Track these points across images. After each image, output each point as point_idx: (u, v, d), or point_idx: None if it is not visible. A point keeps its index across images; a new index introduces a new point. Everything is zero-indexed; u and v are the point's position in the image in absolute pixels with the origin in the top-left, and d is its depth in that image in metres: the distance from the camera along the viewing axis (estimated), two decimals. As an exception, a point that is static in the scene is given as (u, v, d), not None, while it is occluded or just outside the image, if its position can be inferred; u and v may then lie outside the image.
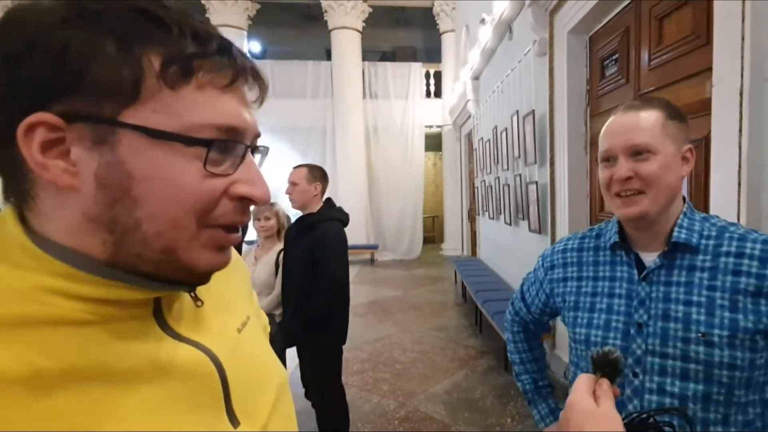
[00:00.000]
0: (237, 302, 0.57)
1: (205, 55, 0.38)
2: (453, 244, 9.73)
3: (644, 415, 0.61)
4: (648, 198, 0.81)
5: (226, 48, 0.40)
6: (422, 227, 10.17)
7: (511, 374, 3.47)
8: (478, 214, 6.91)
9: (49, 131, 0.35)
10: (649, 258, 0.86)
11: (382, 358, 3.95)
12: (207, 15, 8.98)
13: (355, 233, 9.17)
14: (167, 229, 0.38)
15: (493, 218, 5.56)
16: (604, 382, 0.57)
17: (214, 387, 0.44)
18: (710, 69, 1.72)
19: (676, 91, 2.05)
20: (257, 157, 0.45)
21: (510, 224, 4.59)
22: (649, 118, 0.82)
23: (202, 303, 0.47)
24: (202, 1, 8.90)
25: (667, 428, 0.59)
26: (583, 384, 0.58)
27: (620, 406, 0.84)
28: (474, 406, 3.04)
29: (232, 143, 0.40)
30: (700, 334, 0.77)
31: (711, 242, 0.81)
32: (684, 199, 0.87)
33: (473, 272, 5.44)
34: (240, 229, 0.44)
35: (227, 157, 0.40)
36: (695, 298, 0.79)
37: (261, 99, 0.44)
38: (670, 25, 2.12)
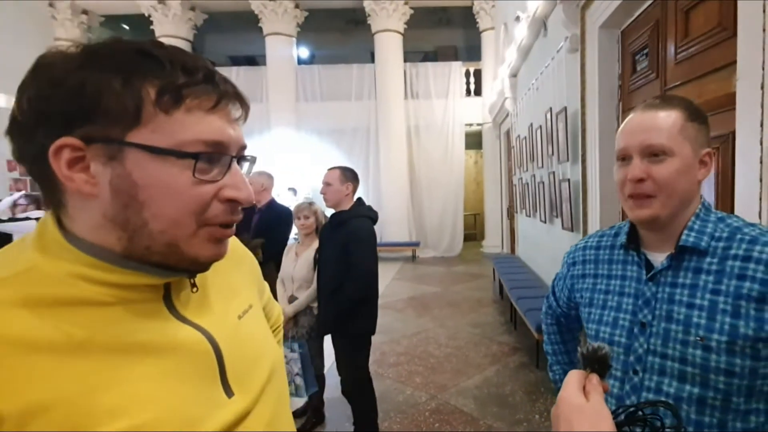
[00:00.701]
0: (242, 291, 0.64)
1: (192, 84, 0.46)
2: (493, 242, 9.64)
3: (632, 409, 0.61)
4: (658, 202, 0.79)
5: (210, 77, 0.48)
6: (463, 225, 10.13)
7: (542, 372, 3.48)
8: (516, 212, 6.84)
9: (73, 151, 0.44)
10: (658, 258, 0.85)
11: (417, 351, 4.06)
12: (259, 25, 9.44)
13: (397, 230, 9.32)
14: (169, 227, 0.47)
15: (529, 216, 5.50)
16: (594, 377, 0.58)
17: (209, 363, 0.51)
18: (736, 62, 1.69)
19: (702, 86, 2.02)
20: (245, 165, 0.54)
21: (545, 222, 4.55)
22: (668, 118, 0.79)
23: (197, 289, 0.54)
24: (255, 12, 9.37)
25: (656, 421, 0.59)
26: (573, 380, 0.58)
27: (619, 401, 0.85)
28: (503, 401, 3.07)
29: (218, 155, 0.48)
30: (698, 338, 0.76)
31: (720, 244, 0.78)
32: (700, 198, 0.85)
33: (510, 269, 5.42)
34: (233, 225, 0.52)
35: (215, 166, 0.48)
36: (698, 302, 0.77)
37: (245, 116, 0.52)
38: (697, 17, 2.08)
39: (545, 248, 4.74)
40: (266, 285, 0.80)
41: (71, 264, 0.45)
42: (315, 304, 2.64)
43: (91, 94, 0.43)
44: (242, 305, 0.62)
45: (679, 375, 0.78)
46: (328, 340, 2.58)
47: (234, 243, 0.62)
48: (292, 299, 2.69)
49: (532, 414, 2.90)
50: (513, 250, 7.89)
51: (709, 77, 1.98)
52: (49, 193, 0.47)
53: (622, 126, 0.86)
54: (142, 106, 0.44)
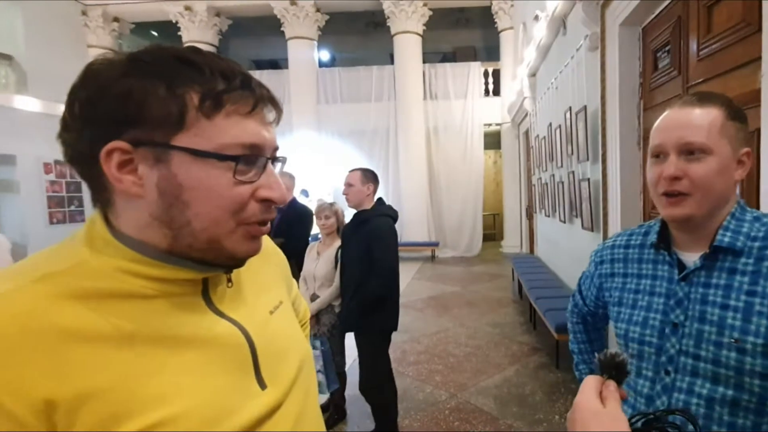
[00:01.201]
0: (272, 287, 0.67)
1: (231, 90, 0.48)
2: (512, 242, 9.58)
3: (650, 416, 0.61)
4: (693, 201, 0.77)
5: (247, 82, 0.50)
6: (482, 225, 10.09)
7: (562, 372, 3.46)
8: (536, 212, 6.78)
9: (122, 154, 0.46)
10: (690, 258, 0.83)
11: (437, 350, 4.07)
12: (282, 29, 9.61)
13: (416, 230, 9.34)
14: (210, 225, 0.49)
15: (549, 216, 5.46)
16: (611, 384, 0.57)
17: (244, 356, 0.53)
18: (760, 58, 1.67)
19: (725, 82, 1.99)
20: (277, 165, 0.55)
21: (564, 222, 4.52)
22: (707, 115, 0.77)
23: (232, 284, 0.57)
24: (278, 16, 9.55)
25: (671, 429, 0.58)
26: (589, 385, 0.58)
27: (649, 401, 0.84)
28: (523, 401, 3.07)
29: (255, 156, 0.50)
30: (733, 340, 0.74)
31: (756, 244, 0.76)
32: (737, 197, 0.82)
33: (529, 269, 5.39)
34: (269, 222, 0.54)
35: (252, 167, 0.50)
36: (732, 303, 0.76)
37: (278, 119, 0.54)
38: (720, 13, 2.06)
39: (564, 248, 4.70)
40: (294, 282, 0.83)
41: (117, 259, 0.47)
42: (336, 302, 2.70)
43: (137, 101, 0.45)
44: (273, 301, 0.64)
45: (712, 376, 0.77)
46: (348, 337, 2.63)
47: (265, 241, 0.65)
48: (314, 297, 2.75)
49: (552, 414, 2.89)
50: (532, 250, 7.82)
51: (733, 74, 1.96)
52: (97, 193, 0.50)
53: (658, 122, 0.83)
54: (186, 111, 0.46)
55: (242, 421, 0.50)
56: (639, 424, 0.61)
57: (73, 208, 7.73)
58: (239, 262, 0.54)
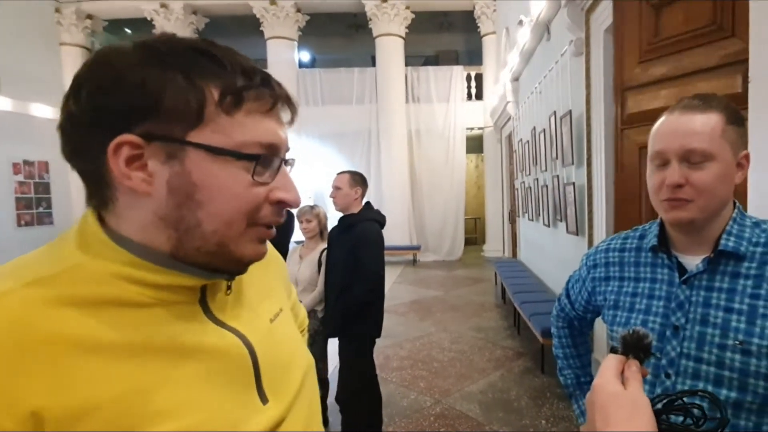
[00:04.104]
0: (272, 293, 0.64)
1: (252, 87, 0.46)
2: (494, 246, 9.64)
3: (673, 396, 0.59)
4: (696, 206, 0.78)
5: (267, 80, 0.48)
6: (464, 229, 10.14)
7: (547, 377, 3.46)
8: (518, 216, 6.84)
9: (132, 149, 0.43)
10: (691, 261, 0.84)
11: (420, 356, 4.03)
12: (261, 29, 9.47)
13: (397, 234, 9.31)
14: (222, 227, 0.46)
15: (532, 220, 5.50)
16: (633, 364, 0.55)
17: (246, 368, 0.50)
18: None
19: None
20: (288, 167, 0.53)
21: (548, 226, 4.55)
22: (709, 121, 0.77)
23: (231, 291, 0.54)
24: (257, 16, 9.40)
25: (695, 410, 0.56)
26: (610, 365, 0.55)
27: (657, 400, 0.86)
28: (509, 406, 3.05)
29: (272, 157, 0.48)
30: (737, 342, 0.75)
31: (759, 249, 0.78)
32: (735, 203, 0.83)
33: (512, 273, 5.41)
34: (274, 226, 0.52)
35: (267, 168, 0.48)
36: (736, 306, 0.77)
37: (292, 119, 0.53)
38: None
39: (548, 252, 4.72)
40: (292, 287, 0.79)
41: (113, 263, 0.44)
42: (319, 307, 2.65)
43: (153, 91, 0.42)
44: (273, 309, 0.61)
45: (715, 379, 0.77)
46: (330, 343, 2.56)
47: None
48: (296, 302, 2.68)
49: (538, 419, 2.87)
50: (514, 254, 7.88)
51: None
52: (97, 191, 0.46)
53: (656, 126, 0.83)
54: (205, 105, 0.44)
55: None
56: (660, 405, 0.58)
57: (41, 209, 7.41)
58: (244, 266, 0.51)
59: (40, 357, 0.39)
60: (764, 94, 1.57)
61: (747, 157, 0.80)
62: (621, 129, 2.51)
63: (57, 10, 9.12)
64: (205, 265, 0.48)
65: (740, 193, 1.75)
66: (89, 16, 9.68)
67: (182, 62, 0.44)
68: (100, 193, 0.46)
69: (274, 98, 0.48)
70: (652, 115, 1.97)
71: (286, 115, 0.52)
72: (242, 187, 0.46)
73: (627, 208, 2.55)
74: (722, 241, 0.79)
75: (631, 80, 2.37)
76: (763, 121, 1.57)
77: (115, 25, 10.39)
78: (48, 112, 6.99)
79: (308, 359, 0.63)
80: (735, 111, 0.80)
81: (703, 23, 1.96)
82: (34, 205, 7.31)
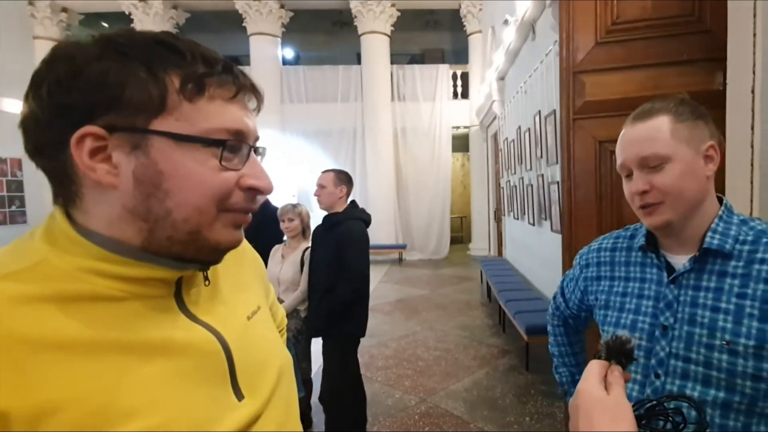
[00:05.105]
0: (249, 286, 0.64)
1: (213, 74, 0.47)
2: (480, 244, 9.70)
3: (654, 402, 0.60)
4: (667, 207, 0.79)
5: (229, 68, 0.48)
6: (450, 227, 10.18)
7: (532, 374, 3.48)
8: (504, 215, 6.88)
9: (95, 140, 0.43)
10: (679, 261, 0.84)
11: (405, 354, 4.03)
12: (244, 24, 9.32)
13: (383, 233, 9.29)
14: (193, 214, 0.46)
15: (517, 218, 5.54)
16: (616, 369, 0.56)
17: (219, 364, 0.50)
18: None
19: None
20: (258, 156, 0.53)
21: (533, 224, 4.58)
22: (657, 125, 0.79)
23: (209, 282, 0.54)
24: (239, 11, 9.26)
25: (676, 416, 0.57)
26: (593, 370, 0.56)
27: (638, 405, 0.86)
28: (493, 404, 3.06)
29: (240, 143, 0.49)
30: (724, 342, 0.75)
31: (746, 248, 0.78)
32: (721, 200, 0.84)
33: (498, 272, 5.43)
34: (250, 212, 0.53)
35: (236, 155, 0.48)
36: (723, 305, 0.77)
37: (258, 108, 0.53)
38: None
39: (534, 251, 4.76)
40: (271, 286, 0.78)
41: (82, 258, 0.44)
42: (302, 307, 2.61)
43: (114, 84, 0.42)
44: (251, 306, 0.61)
45: (703, 379, 0.77)
46: (314, 343, 2.53)
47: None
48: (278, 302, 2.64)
49: (523, 417, 2.89)
50: (500, 252, 7.94)
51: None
52: (61, 187, 0.46)
53: (618, 140, 0.87)
54: (167, 94, 0.44)
55: None
56: (642, 411, 0.60)
57: (14, 208, 7.20)
58: (220, 254, 0.51)
59: (2, 356, 0.38)
60: (739, 96, 1.58)
61: (714, 148, 0.80)
62: (573, 119, 2.09)
63: (30, 3, 8.87)
64: (178, 255, 0.48)
65: (719, 190, 1.77)
66: (64, 9, 9.42)
67: (142, 53, 0.44)
68: (66, 190, 0.46)
69: (238, 86, 0.49)
70: (614, 106, 1.87)
71: (252, 103, 0.52)
72: (210, 173, 0.46)
73: (581, 213, 1.99)
74: (707, 239, 0.79)
75: (588, 63, 2.00)
76: (738, 123, 1.58)
77: (91, 18, 10.12)
78: (20, 107, 6.77)
79: (286, 359, 0.63)
80: (686, 108, 0.81)
81: (676, 11, 1.83)
82: (7, 203, 7.09)
